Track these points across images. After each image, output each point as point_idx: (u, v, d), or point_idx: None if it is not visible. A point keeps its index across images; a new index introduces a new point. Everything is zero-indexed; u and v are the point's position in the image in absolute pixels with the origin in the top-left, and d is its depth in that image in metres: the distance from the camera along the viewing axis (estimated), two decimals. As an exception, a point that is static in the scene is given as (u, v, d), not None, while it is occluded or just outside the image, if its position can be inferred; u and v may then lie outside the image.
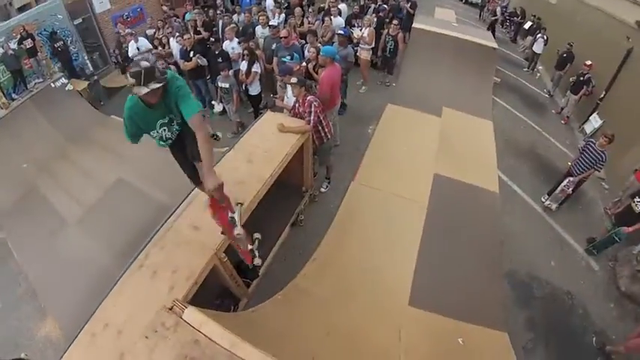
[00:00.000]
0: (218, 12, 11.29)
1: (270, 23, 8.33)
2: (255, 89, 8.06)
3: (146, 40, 9.51)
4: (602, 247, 6.65)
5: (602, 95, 10.17)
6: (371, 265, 5.41)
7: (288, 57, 7.49)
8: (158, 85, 2.75)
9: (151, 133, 3.19)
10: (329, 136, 5.82)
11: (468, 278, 5.59)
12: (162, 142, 3.30)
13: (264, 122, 5.24)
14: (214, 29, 9.87)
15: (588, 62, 10.09)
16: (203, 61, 8.63)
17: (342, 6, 10.58)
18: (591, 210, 7.91)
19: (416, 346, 4.52)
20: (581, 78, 10.18)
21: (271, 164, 4.47)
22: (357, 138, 8.06)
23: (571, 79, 10.62)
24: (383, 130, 8.12)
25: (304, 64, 7.01)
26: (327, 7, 10.02)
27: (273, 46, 7.81)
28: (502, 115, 10.24)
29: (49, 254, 5.93)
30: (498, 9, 17.49)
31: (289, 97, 6.01)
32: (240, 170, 4.39)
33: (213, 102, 9.09)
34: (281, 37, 7.57)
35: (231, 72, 7.91)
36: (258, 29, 8.83)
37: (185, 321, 2.80)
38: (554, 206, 7.39)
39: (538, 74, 14.37)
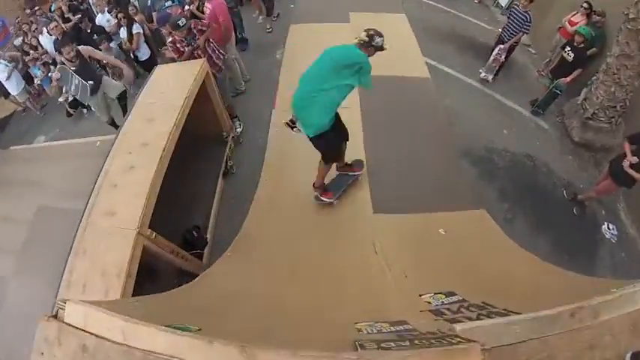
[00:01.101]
0: None
1: None
2: (144, 53, 7.48)
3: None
4: (546, 104, 6.76)
5: None
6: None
7: (169, 2, 7.04)
8: None
9: None
10: (221, 65, 5.63)
11: (426, 168, 5.19)
12: None
13: (156, 76, 4.77)
14: (84, 8, 9.45)
15: None
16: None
17: None
18: (525, 75, 8.04)
19: (397, 252, 4.00)
20: None
21: (172, 114, 4.04)
22: (268, 67, 7.41)
23: None
24: (292, 51, 7.35)
25: (187, 7, 6.73)
26: None
27: (149, 1, 7.24)
28: (414, 7, 9.89)
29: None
30: None
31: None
32: (142, 132, 3.96)
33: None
34: None
35: (113, 44, 7.51)
36: None
37: (68, 324, 1.85)
38: (490, 77, 7.38)
39: None
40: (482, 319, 1.91)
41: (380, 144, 5.31)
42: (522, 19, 6.75)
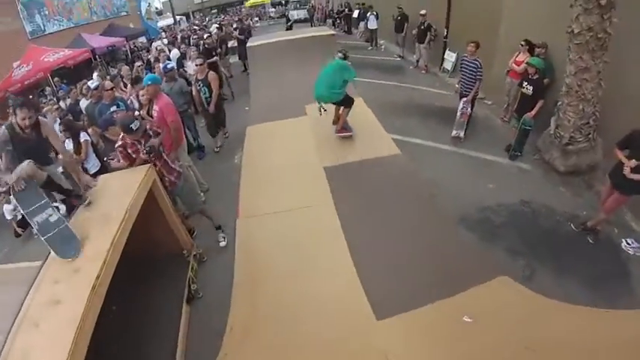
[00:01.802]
0: (44, 101, 10.88)
1: (90, 86, 7.49)
2: (93, 165, 6.50)
3: None
4: (521, 144, 6.80)
5: (445, 33, 11.63)
6: (305, 300, 4.30)
7: (114, 107, 6.72)
8: None
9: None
10: (173, 179, 4.93)
11: (422, 251, 4.83)
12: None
13: (98, 186, 4.15)
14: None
15: (422, 12, 11.60)
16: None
17: (174, 52, 11.10)
18: (491, 126, 8.29)
19: (418, 356, 3.54)
20: (422, 27, 11.67)
21: (110, 231, 3.32)
22: (227, 172, 7.30)
23: (413, 32, 12.08)
24: (251, 153, 7.47)
25: (137, 113, 6.34)
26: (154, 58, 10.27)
27: (97, 108, 6.84)
28: (368, 89, 10.54)
29: None
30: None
31: None
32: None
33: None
34: (104, 92, 6.89)
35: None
36: (82, 103, 8.17)
37: None
38: (461, 133, 7.56)
39: (382, 46, 16.36)
40: None
41: (363, 237, 5.04)
42: (474, 67, 7.14)
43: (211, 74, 7.81)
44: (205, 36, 12.46)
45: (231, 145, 8.20)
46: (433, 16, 11.55)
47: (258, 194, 6.17)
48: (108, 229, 3.32)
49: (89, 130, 6.73)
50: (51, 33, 19.39)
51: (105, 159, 5.93)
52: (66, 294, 2.82)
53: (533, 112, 6.53)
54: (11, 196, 5.57)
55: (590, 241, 4.95)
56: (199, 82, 7.75)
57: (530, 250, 4.83)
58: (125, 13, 27.44)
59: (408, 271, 4.50)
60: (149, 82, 6.01)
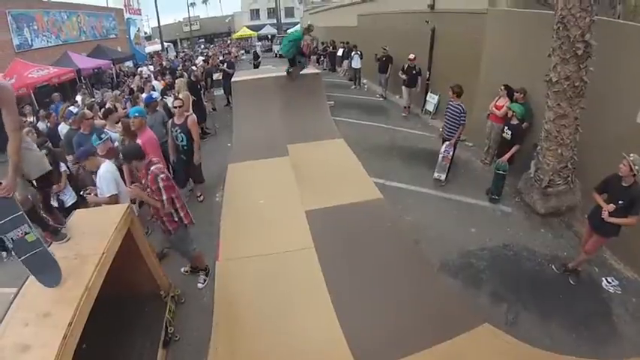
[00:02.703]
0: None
1: (72, 110, 7.41)
2: (69, 197, 6.35)
3: None
4: (497, 187, 6.98)
5: (428, 75, 12.05)
6: (285, 350, 4.19)
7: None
8: None
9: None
10: (186, 221, 4.80)
11: (405, 299, 4.81)
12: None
13: (73, 223, 3.91)
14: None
15: (412, 56, 11.86)
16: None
17: (155, 83, 11.09)
18: (472, 169, 8.47)
19: None
20: (414, 72, 11.92)
21: (85, 275, 3.13)
22: (207, 211, 7.09)
23: (402, 76, 12.19)
24: (232, 192, 7.36)
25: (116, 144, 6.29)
26: (137, 87, 10.22)
27: (75, 138, 6.53)
28: (350, 129, 10.77)
29: None
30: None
31: (102, 187, 4.78)
32: (45, 296, 2.98)
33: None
34: (84, 121, 6.57)
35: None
36: (61, 128, 7.79)
37: None
38: (443, 176, 7.68)
39: (365, 86, 16.80)
40: None
41: (345, 284, 5.00)
42: (457, 112, 7.33)
43: (191, 119, 6.99)
44: (193, 68, 12.56)
45: (212, 181, 8.03)
46: (417, 58, 12.00)
47: (238, 236, 6.08)
48: (82, 272, 3.13)
49: (69, 158, 6.57)
50: (38, 48, 19.40)
51: (81, 192, 5.54)
52: (36, 339, 2.61)
53: (506, 157, 6.85)
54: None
55: (572, 282, 5.06)
56: (176, 128, 6.87)
57: (513, 294, 4.86)
58: (114, 36, 27.92)
59: (392, 320, 4.46)
60: (136, 115, 5.99)
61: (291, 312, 4.62)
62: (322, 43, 22.66)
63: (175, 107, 6.97)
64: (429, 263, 5.47)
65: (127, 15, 30.97)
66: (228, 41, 49.54)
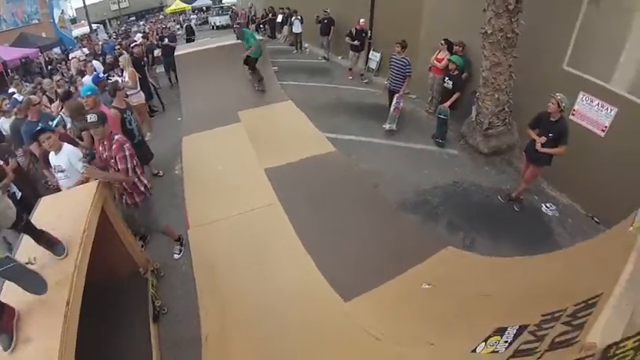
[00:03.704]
0: None
1: (7, 106, 6.83)
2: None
3: None
4: (441, 131, 7.64)
5: (369, 34, 12.11)
6: (272, 297, 4.44)
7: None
8: None
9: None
10: (150, 191, 4.72)
11: (373, 235, 5.35)
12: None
13: (41, 210, 3.75)
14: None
15: (362, 21, 11.56)
16: None
17: (95, 63, 10.42)
18: (417, 118, 9.08)
19: (400, 326, 3.72)
20: (363, 34, 11.63)
21: (71, 256, 3.02)
22: (169, 185, 7.02)
23: (354, 42, 11.67)
24: (190, 163, 7.43)
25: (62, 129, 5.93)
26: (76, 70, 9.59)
27: (23, 127, 6.09)
28: (297, 91, 10.90)
29: None
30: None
31: (76, 165, 4.43)
32: None
33: None
34: (31, 107, 6.11)
35: None
36: (1, 122, 7.12)
37: None
38: (394, 126, 8.17)
39: (307, 50, 16.77)
40: (577, 323, 1.83)
41: (314, 231, 5.34)
42: (403, 64, 7.78)
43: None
44: (133, 45, 11.68)
45: (167, 156, 7.90)
46: (356, 17, 12.00)
47: (204, 203, 6.22)
48: (69, 255, 3.02)
49: (19, 152, 6.12)
50: None
51: (45, 182, 5.41)
52: (35, 330, 2.43)
53: (448, 103, 7.48)
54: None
55: (516, 209, 5.80)
56: (126, 112, 6.17)
57: (467, 223, 5.47)
58: (37, 21, 25.52)
59: (363, 256, 4.90)
60: (88, 93, 5.62)
61: (270, 263, 4.91)
62: (263, 10, 22.09)
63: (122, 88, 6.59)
64: (389, 202, 5.96)
65: (48, -4, 28.05)
66: (161, 16, 46.17)
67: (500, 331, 2.31)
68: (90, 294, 2.95)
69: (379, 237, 5.28)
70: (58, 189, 4.73)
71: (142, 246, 5.20)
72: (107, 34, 34.67)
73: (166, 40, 13.09)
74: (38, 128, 4.53)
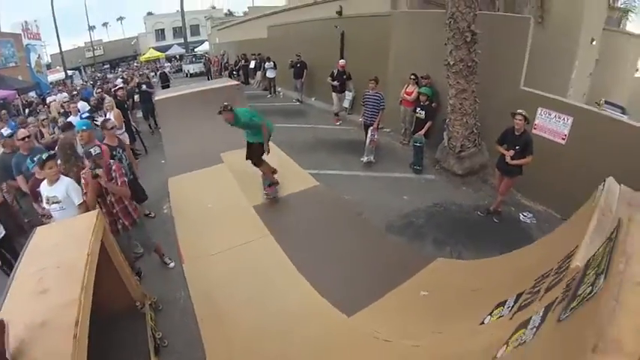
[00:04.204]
0: None
1: (3, 133, 6.65)
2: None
3: None
4: (419, 159, 8.11)
5: (349, 75, 12.45)
6: (275, 320, 4.55)
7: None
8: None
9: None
10: (135, 214, 4.98)
11: (365, 257, 5.59)
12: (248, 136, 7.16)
13: (37, 239, 3.64)
14: None
15: (342, 62, 11.90)
16: None
17: (81, 104, 10.57)
18: (393, 150, 9.61)
19: (406, 326, 3.94)
20: (344, 77, 11.85)
21: (76, 279, 2.99)
22: (161, 223, 7.07)
23: (333, 82, 11.91)
24: (179, 203, 7.53)
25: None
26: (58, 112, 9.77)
27: (13, 160, 6.10)
28: (276, 133, 10.72)
29: None
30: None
31: (72, 196, 4.59)
32: (35, 309, 2.75)
33: None
34: (21, 142, 6.11)
35: None
36: None
37: None
38: (372, 157, 8.61)
39: (281, 93, 17.48)
40: (563, 269, 2.15)
41: (309, 258, 5.49)
42: (376, 100, 8.35)
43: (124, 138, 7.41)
44: (117, 88, 11.88)
45: (155, 196, 7.89)
46: (330, 61, 12.71)
47: (197, 238, 6.30)
48: (72, 275, 3.01)
49: (3, 186, 6.18)
50: None
51: (40, 215, 5.38)
52: (44, 352, 2.37)
53: (422, 131, 8.08)
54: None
55: (496, 220, 6.21)
56: (117, 150, 6.19)
57: (451, 238, 5.78)
58: (14, 64, 25.69)
59: (358, 276, 5.13)
60: (84, 128, 5.76)
61: (269, 290, 5.01)
62: (236, 57, 22.80)
63: (109, 128, 6.51)
64: (376, 228, 6.23)
65: (25, 40, 28.43)
66: (135, 64, 46.82)
67: (501, 304, 2.63)
68: (89, 330, 2.75)
69: (371, 258, 5.49)
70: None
71: (138, 280, 5.21)
72: (82, 80, 35.01)
73: (144, 86, 13.37)
74: (50, 153, 4.70)
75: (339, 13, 12.80)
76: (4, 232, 5.83)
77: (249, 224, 6.50)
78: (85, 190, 4.59)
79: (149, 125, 13.27)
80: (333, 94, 12.04)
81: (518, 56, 6.78)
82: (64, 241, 3.57)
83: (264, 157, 7.18)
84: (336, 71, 11.80)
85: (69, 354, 2.30)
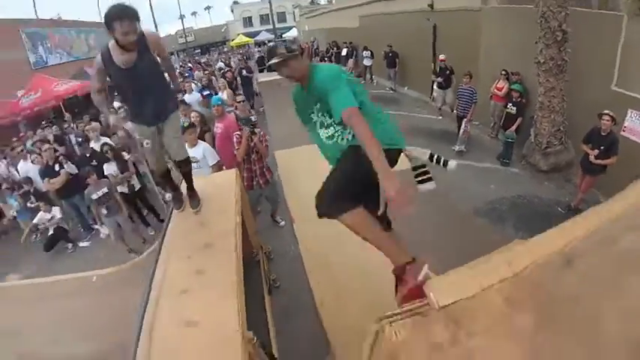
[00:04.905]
0: (65, 126, 11.32)
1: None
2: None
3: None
4: (508, 153, 8.70)
5: (433, 67, 13.11)
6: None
7: None
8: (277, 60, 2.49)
9: (312, 116, 2.89)
10: (269, 175, 6.26)
11: (451, 233, 6.25)
12: (326, 140, 2.83)
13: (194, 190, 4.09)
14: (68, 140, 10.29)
15: (442, 56, 11.76)
16: (72, 168, 7.99)
17: (192, 85, 11.83)
18: (481, 141, 10.27)
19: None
20: (447, 72, 11.56)
21: (229, 214, 3.56)
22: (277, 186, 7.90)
23: (437, 79, 11.98)
24: (286, 171, 8.44)
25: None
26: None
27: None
28: None
29: None
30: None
31: (208, 158, 5.93)
32: (197, 234, 3.40)
33: (94, 226, 8.28)
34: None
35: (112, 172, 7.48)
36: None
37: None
38: (463, 147, 9.44)
39: (375, 81, 18.39)
40: None
41: (408, 230, 6.26)
42: (469, 93, 9.11)
43: None
44: (226, 70, 13.49)
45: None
46: (416, 51, 13.51)
47: (305, 202, 7.04)
48: (227, 215, 3.58)
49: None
50: (53, 65, 20.02)
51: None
52: (206, 264, 2.90)
53: (514, 127, 8.59)
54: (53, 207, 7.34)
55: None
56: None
57: (530, 227, 6.37)
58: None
59: (445, 246, 5.76)
60: (219, 102, 7.09)
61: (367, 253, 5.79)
62: (327, 44, 23.71)
63: (240, 102, 7.85)
64: (462, 209, 7.04)
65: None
66: (225, 49, 49.23)
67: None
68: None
69: (456, 234, 6.21)
70: None
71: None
72: (178, 65, 37.94)
73: (244, 71, 14.72)
74: (189, 122, 6.22)
75: (431, 6, 13.06)
76: (140, 186, 7.81)
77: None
78: (237, 147, 5.78)
79: (251, 105, 14.39)
80: (437, 89, 11.93)
81: (610, 55, 6.84)
82: (215, 190, 4.20)
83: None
84: (438, 67, 11.76)
85: (233, 266, 2.93)
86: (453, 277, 1.83)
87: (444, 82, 11.59)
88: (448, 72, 11.50)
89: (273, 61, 2.51)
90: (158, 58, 3.15)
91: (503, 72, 9.38)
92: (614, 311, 1.34)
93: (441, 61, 11.63)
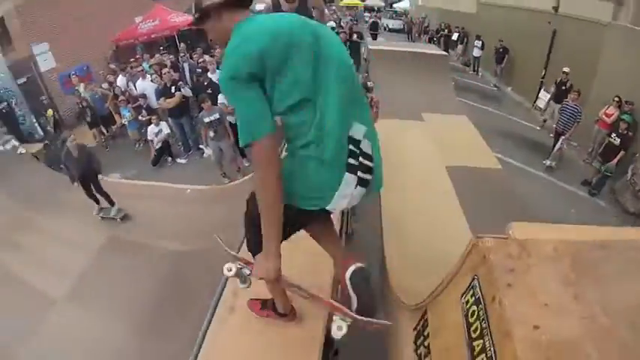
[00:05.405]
0: (180, 55, 11.94)
1: None
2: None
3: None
4: (601, 185, 8.48)
5: (543, 74, 12.76)
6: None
7: None
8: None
9: None
10: None
11: None
12: None
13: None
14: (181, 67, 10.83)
15: (567, 69, 11.00)
16: (187, 92, 8.95)
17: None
18: (574, 163, 9.99)
19: None
20: (563, 87, 10.99)
21: None
22: None
23: (552, 89, 11.72)
24: (383, 142, 8.61)
25: None
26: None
27: None
28: (468, 111, 11.75)
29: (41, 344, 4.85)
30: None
31: None
32: None
33: (200, 146, 9.38)
34: None
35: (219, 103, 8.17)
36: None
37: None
38: (554, 164, 9.33)
39: (480, 74, 17.63)
40: None
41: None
42: (574, 111, 8.81)
43: None
44: (340, 32, 13.32)
45: None
46: (530, 54, 13.01)
47: (393, 172, 6.40)
48: None
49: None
50: None
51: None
52: None
53: (615, 161, 8.02)
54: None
55: None
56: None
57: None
58: None
59: None
60: None
61: (438, 224, 5.76)
62: (438, 24, 23.00)
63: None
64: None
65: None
66: (333, 7, 48.13)
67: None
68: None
69: None
70: None
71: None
72: None
73: (355, 36, 14.19)
74: None
75: (555, 8, 12.15)
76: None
77: (438, 179, 7.15)
78: None
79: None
80: (552, 101, 11.53)
81: None
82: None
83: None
84: (559, 79, 11.16)
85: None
86: (532, 228, 2.21)
87: (559, 96, 11.05)
88: (564, 88, 10.88)
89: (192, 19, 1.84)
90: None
91: (617, 98, 8.82)
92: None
93: (565, 74, 11.01)
